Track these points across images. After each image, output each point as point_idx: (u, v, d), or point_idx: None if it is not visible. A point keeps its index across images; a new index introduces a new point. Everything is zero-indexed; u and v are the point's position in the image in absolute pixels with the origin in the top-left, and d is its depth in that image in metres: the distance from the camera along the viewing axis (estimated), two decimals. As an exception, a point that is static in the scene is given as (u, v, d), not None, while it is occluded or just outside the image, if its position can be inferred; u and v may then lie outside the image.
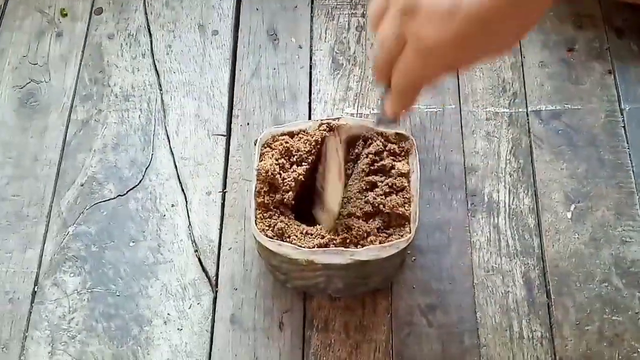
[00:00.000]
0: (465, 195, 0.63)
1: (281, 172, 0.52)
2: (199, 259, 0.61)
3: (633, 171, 0.64)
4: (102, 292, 0.59)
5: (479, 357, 0.56)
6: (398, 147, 0.54)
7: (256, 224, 0.50)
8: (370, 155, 0.54)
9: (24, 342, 0.57)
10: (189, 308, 0.59)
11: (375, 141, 0.55)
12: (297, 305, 0.58)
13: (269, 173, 0.50)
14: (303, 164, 0.53)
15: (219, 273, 0.60)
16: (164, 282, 0.60)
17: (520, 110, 0.68)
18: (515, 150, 0.66)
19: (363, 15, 0.73)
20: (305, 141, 0.54)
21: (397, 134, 0.55)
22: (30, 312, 0.59)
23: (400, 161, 0.54)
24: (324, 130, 0.54)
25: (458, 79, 0.69)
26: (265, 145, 0.54)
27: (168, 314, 0.58)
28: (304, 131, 0.55)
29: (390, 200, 0.52)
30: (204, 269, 0.60)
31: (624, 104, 0.68)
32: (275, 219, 0.51)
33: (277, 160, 0.52)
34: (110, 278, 0.60)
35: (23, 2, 0.74)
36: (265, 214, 0.51)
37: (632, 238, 0.61)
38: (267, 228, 0.50)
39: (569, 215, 0.62)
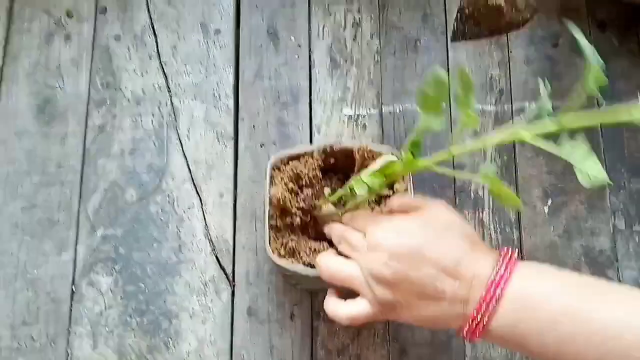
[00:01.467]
0: (454, 192, 0.70)
1: (291, 196, 0.58)
2: (217, 258, 0.68)
3: (606, 165, 0.71)
4: (133, 290, 0.67)
5: (462, 342, 0.66)
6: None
7: (269, 244, 0.57)
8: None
9: (69, 337, 0.66)
10: (211, 302, 0.67)
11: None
12: (305, 299, 0.67)
13: (280, 200, 0.57)
14: (309, 188, 0.59)
15: (235, 270, 0.68)
16: (187, 280, 0.67)
17: (505, 107, 0.73)
18: (500, 147, 0.72)
19: (359, 11, 0.76)
20: (311, 165, 0.60)
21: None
22: (71, 310, 0.67)
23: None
24: (326, 154, 0.60)
25: (448, 78, 0.74)
26: (275, 169, 0.60)
27: (193, 308, 0.67)
28: (309, 153, 0.60)
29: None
30: (221, 267, 0.68)
31: (600, 99, 0.73)
32: (287, 239, 0.58)
33: (286, 184, 0.58)
34: (138, 277, 0.68)
35: (29, 3, 0.76)
36: (277, 235, 0.58)
37: (600, 229, 0.69)
38: (279, 247, 0.58)
39: (545, 209, 0.70)
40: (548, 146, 0.44)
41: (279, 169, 0.60)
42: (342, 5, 0.76)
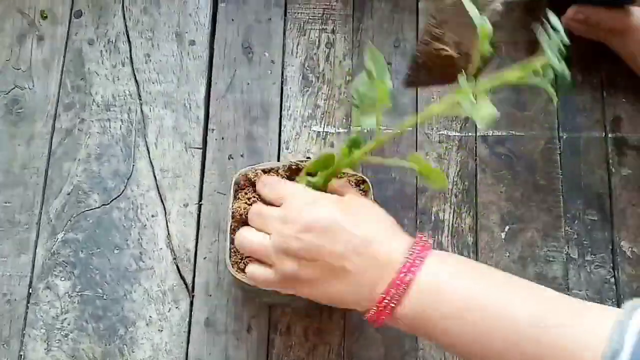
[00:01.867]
0: (415, 214, 0.72)
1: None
2: (177, 267, 0.68)
3: (562, 196, 0.73)
4: (90, 295, 0.67)
5: (416, 359, 0.67)
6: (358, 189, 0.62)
7: (230, 257, 0.58)
8: None
9: (23, 339, 0.65)
10: (169, 311, 0.67)
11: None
12: (263, 312, 0.67)
13: (243, 215, 0.57)
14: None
15: (195, 280, 0.68)
16: (146, 288, 0.67)
17: (470, 134, 0.75)
18: (462, 172, 0.74)
19: (333, 32, 0.78)
20: (275, 180, 0.60)
21: (355, 177, 0.62)
22: (27, 313, 0.66)
23: None
24: (292, 169, 0.61)
25: (417, 102, 0.76)
26: (238, 185, 0.60)
27: (150, 316, 0.67)
28: (275, 170, 0.61)
29: None
30: (181, 276, 0.68)
31: (562, 132, 0.76)
32: None
33: (249, 199, 0.59)
34: (97, 282, 0.67)
35: (2, 1, 0.76)
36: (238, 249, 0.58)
37: (554, 257, 0.71)
38: (239, 261, 0.58)
39: (502, 235, 0.72)
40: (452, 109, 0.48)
41: (243, 184, 0.61)
42: (317, 25, 0.78)
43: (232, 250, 0.58)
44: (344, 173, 0.62)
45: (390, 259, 0.48)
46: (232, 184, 0.60)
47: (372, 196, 0.61)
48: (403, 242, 0.50)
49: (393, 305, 0.48)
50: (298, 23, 0.78)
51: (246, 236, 0.54)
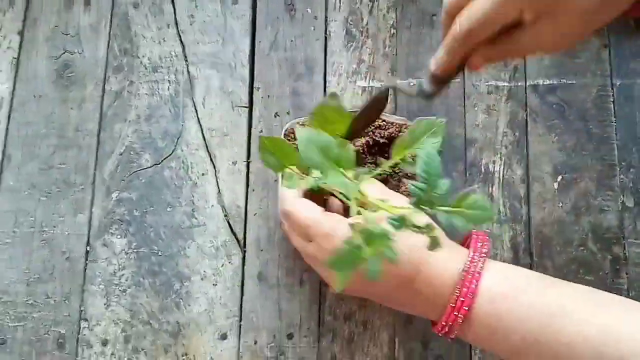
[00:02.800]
0: (465, 166, 0.71)
1: None
2: (229, 223, 0.69)
3: (616, 144, 0.71)
4: (146, 252, 0.69)
5: (468, 310, 0.67)
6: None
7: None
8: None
9: (82, 295, 0.68)
10: (222, 266, 0.68)
11: (389, 128, 0.62)
12: (315, 265, 0.68)
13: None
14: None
15: (247, 236, 0.69)
16: (199, 244, 0.69)
17: (519, 84, 0.73)
18: (512, 123, 0.72)
19: (375, -15, 0.77)
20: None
21: (407, 126, 0.61)
22: (85, 269, 0.68)
23: None
24: None
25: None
26: (288, 137, 0.61)
27: (204, 271, 0.68)
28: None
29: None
30: (233, 232, 0.69)
31: (615, 78, 0.73)
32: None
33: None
34: (152, 240, 0.69)
35: (49, -32, 0.78)
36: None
37: (609, 207, 0.69)
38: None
39: (555, 185, 0.70)
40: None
41: (291, 137, 0.61)
42: (360, 74, 0.77)
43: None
44: (383, 121, 0.62)
45: (447, 278, 0.51)
46: (282, 133, 0.60)
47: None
48: (455, 256, 0.52)
49: (462, 316, 0.50)
50: (338, 74, 0.77)
51: (306, 205, 0.55)
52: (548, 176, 0.71)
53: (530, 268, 0.68)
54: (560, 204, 0.70)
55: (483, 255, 0.51)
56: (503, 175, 0.71)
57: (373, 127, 0.65)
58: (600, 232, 0.69)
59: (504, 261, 0.68)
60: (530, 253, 0.68)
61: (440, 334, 0.52)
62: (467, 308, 0.49)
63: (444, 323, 0.50)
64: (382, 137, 0.64)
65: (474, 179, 0.71)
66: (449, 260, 0.51)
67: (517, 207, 0.70)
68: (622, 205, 0.69)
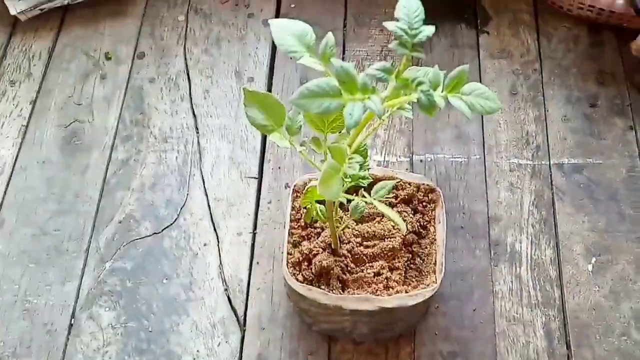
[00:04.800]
0: (489, 244, 0.65)
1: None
2: (229, 298, 0.63)
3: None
4: (135, 327, 0.62)
5: None
6: (426, 198, 0.57)
7: (287, 265, 0.53)
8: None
9: (60, 372, 0.60)
10: (218, 346, 0.61)
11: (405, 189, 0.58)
12: (321, 348, 0.60)
13: (300, 219, 0.53)
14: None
15: (247, 312, 0.62)
16: (195, 320, 0.62)
17: (543, 162, 0.70)
18: (538, 201, 0.68)
19: (392, 62, 0.76)
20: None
21: (425, 185, 0.57)
22: (67, 345, 0.61)
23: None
24: None
25: (483, 130, 0.72)
26: (297, 191, 0.56)
27: (197, 351, 0.60)
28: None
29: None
30: (232, 308, 0.62)
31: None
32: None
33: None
34: (143, 314, 0.62)
35: (70, 44, 0.79)
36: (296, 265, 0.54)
37: (652, 293, 0.62)
38: (297, 272, 0.53)
39: (589, 267, 0.64)
40: None
41: (301, 192, 0.57)
42: (375, 61, 0.76)
43: (289, 259, 0.53)
44: (407, 183, 0.58)
45: None
46: (291, 192, 0.56)
47: (443, 206, 0.56)
48: None
49: None
50: (356, 59, 0.77)
51: None
52: (581, 257, 0.64)
53: (568, 358, 0.60)
54: (597, 288, 0.63)
55: None
56: (531, 256, 0.65)
57: None
58: (645, 320, 0.61)
59: (536, 350, 0.60)
60: (567, 341, 0.60)
61: None
62: None
63: None
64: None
65: (499, 257, 0.65)
66: None
67: (548, 290, 0.63)
68: (667, 291, 0.62)
